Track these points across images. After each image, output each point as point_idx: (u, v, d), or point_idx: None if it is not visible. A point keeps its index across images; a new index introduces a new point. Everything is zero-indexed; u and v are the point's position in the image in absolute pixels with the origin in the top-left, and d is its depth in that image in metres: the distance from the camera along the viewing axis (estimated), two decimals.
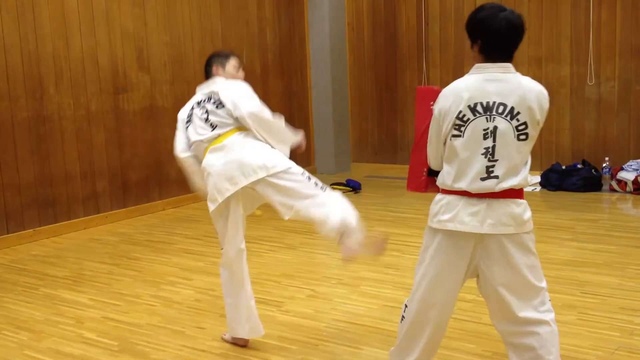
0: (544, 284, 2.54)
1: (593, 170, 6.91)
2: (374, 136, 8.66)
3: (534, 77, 8.70)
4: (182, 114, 3.54)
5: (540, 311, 2.51)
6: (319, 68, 8.44)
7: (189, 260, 5.03)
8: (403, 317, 2.68)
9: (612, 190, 6.78)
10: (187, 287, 4.44)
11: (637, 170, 6.68)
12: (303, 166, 8.97)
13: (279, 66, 8.15)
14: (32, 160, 5.77)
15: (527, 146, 2.46)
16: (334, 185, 7.59)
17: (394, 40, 8.36)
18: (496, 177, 2.42)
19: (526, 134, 2.43)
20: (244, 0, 7.61)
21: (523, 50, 7.48)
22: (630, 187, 6.64)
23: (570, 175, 6.89)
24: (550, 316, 2.53)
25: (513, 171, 2.43)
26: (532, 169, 7.71)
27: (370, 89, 8.62)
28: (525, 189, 7.25)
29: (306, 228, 5.92)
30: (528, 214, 2.50)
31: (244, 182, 3.28)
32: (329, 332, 3.58)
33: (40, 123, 5.82)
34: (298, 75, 8.43)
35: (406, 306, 2.65)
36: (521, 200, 2.49)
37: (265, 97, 7.97)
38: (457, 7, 7.79)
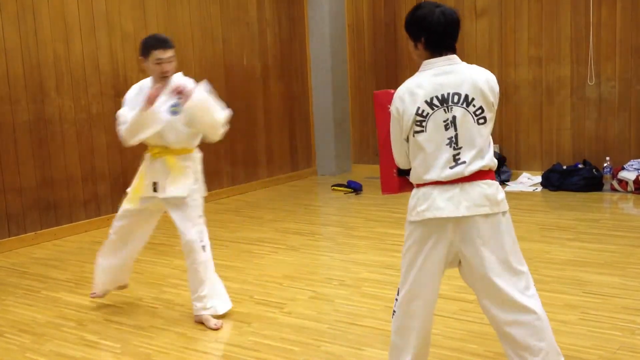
0: (525, 268, 2.60)
1: (594, 170, 6.91)
2: (375, 137, 8.66)
3: (535, 77, 8.69)
4: None
5: (527, 295, 2.56)
6: (319, 69, 8.44)
7: None
8: (394, 311, 2.71)
9: (613, 190, 6.78)
10: (189, 289, 4.43)
11: (638, 169, 6.68)
12: (305, 167, 8.88)
13: (280, 68, 8.16)
14: (33, 163, 5.77)
15: (487, 129, 2.56)
16: (335, 186, 7.59)
17: (394, 41, 8.36)
18: (463, 162, 2.52)
19: (484, 118, 2.54)
20: (244, 2, 7.62)
21: (523, 50, 7.49)
22: (631, 186, 6.64)
23: (571, 175, 6.89)
24: (536, 302, 2.58)
25: (479, 155, 2.53)
26: (533, 169, 7.79)
27: (370, 90, 8.62)
28: (526, 189, 7.23)
29: (307, 230, 5.93)
30: (501, 195, 2.58)
31: None
32: (331, 334, 3.58)
33: (42, 126, 5.83)
34: (298, 77, 8.44)
35: (397, 300, 2.70)
36: (492, 181, 2.57)
37: (265, 98, 7.99)
38: (456, 7, 7.78)
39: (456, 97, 2.51)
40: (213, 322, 3.74)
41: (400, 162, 2.67)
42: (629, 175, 6.68)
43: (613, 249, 4.83)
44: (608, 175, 6.95)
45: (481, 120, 2.53)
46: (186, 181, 3.79)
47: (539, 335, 2.55)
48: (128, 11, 6.44)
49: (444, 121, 2.51)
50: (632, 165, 6.77)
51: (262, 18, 7.87)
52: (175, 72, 3.85)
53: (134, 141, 3.85)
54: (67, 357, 3.46)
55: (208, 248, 3.80)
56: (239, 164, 7.70)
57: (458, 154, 2.51)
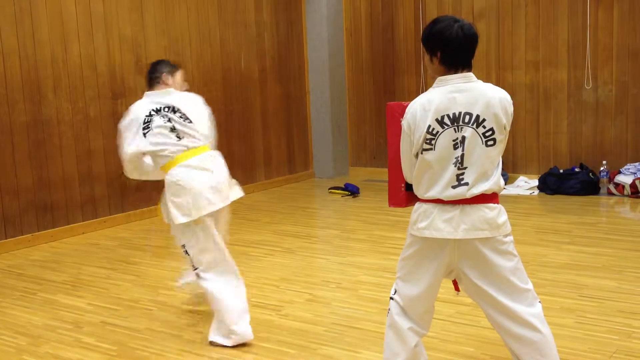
0: (529, 286, 2.59)
1: (591, 174, 6.93)
2: (372, 140, 8.67)
3: (532, 81, 8.66)
4: (138, 119, 3.59)
5: (531, 313, 2.56)
6: (317, 72, 8.45)
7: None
8: (389, 309, 2.74)
9: (610, 193, 6.79)
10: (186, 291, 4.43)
11: (634, 173, 6.69)
12: (302, 170, 8.94)
13: (277, 70, 8.17)
14: (30, 165, 5.77)
15: (496, 151, 2.51)
16: (333, 189, 7.60)
17: (391, 44, 8.37)
18: (466, 184, 2.48)
19: (494, 140, 2.49)
20: (242, 5, 7.62)
21: (521, 54, 7.50)
22: (627, 190, 6.65)
23: (568, 179, 6.91)
24: (540, 320, 2.58)
25: (483, 177, 2.49)
26: (530, 172, 7.79)
27: (368, 93, 8.64)
28: (523, 193, 7.22)
29: (304, 232, 5.93)
30: (503, 218, 2.54)
31: (221, 205, 3.54)
32: (327, 336, 3.59)
33: (39, 128, 5.83)
34: (296, 80, 8.44)
35: (392, 299, 2.73)
36: (495, 205, 2.53)
37: (263, 101, 7.99)
38: (454, 11, 7.81)
39: (467, 117, 2.47)
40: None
41: (408, 176, 2.64)
42: (625, 179, 6.69)
43: (609, 252, 4.84)
44: (605, 179, 6.96)
45: (490, 142, 2.48)
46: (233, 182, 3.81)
47: (543, 352, 2.55)
48: (126, 13, 6.44)
49: (454, 140, 2.47)
50: (629, 169, 6.78)
51: (260, 20, 7.88)
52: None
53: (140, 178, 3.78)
54: None
55: None
56: (236, 166, 7.70)
57: (462, 174, 2.48)
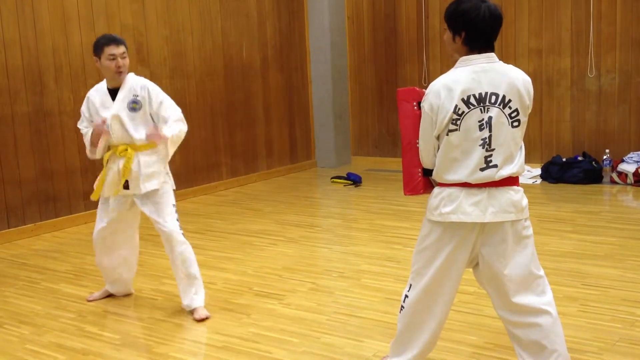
0: (542, 272, 2.60)
1: (593, 163, 6.91)
2: (374, 129, 8.66)
3: (535, 69, 8.63)
4: None
5: (541, 300, 2.55)
6: (319, 62, 8.43)
7: None
8: (403, 307, 2.69)
9: (613, 182, 6.78)
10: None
11: (637, 162, 6.67)
12: (304, 159, 8.90)
13: (279, 60, 8.14)
14: (32, 155, 5.77)
15: (520, 132, 2.51)
16: (335, 178, 7.59)
17: (394, 33, 8.34)
18: (495, 165, 2.46)
19: (518, 121, 2.49)
20: None
21: (524, 42, 7.47)
22: (630, 179, 6.64)
23: (570, 168, 6.89)
24: (551, 306, 2.57)
25: (510, 159, 2.48)
26: (532, 161, 7.76)
27: (370, 83, 8.61)
28: (525, 182, 7.26)
29: (307, 222, 5.93)
30: (525, 201, 2.56)
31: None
32: (330, 325, 3.59)
33: (41, 118, 5.82)
34: (298, 69, 8.42)
35: (407, 296, 2.66)
36: (518, 188, 2.55)
37: (265, 91, 7.97)
38: None
39: (494, 97, 2.44)
40: (204, 313, 3.76)
41: (427, 161, 2.59)
42: (628, 167, 6.68)
43: (612, 241, 4.83)
44: (607, 168, 6.95)
45: (515, 123, 2.47)
46: (158, 174, 3.83)
47: (552, 338, 2.55)
48: (127, 3, 6.41)
49: (479, 121, 2.44)
50: (632, 157, 6.76)
51: (262, 10, 7.85)
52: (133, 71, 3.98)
53: (97, 157, 3.96)
54: (67, 349, 3.46)
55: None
56: (238, 156, 7.70)
57: (490, 155, 2.45)
